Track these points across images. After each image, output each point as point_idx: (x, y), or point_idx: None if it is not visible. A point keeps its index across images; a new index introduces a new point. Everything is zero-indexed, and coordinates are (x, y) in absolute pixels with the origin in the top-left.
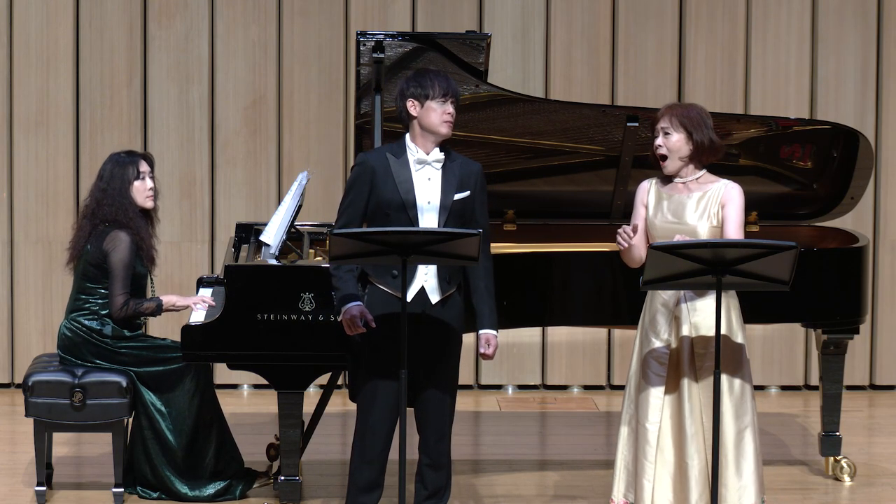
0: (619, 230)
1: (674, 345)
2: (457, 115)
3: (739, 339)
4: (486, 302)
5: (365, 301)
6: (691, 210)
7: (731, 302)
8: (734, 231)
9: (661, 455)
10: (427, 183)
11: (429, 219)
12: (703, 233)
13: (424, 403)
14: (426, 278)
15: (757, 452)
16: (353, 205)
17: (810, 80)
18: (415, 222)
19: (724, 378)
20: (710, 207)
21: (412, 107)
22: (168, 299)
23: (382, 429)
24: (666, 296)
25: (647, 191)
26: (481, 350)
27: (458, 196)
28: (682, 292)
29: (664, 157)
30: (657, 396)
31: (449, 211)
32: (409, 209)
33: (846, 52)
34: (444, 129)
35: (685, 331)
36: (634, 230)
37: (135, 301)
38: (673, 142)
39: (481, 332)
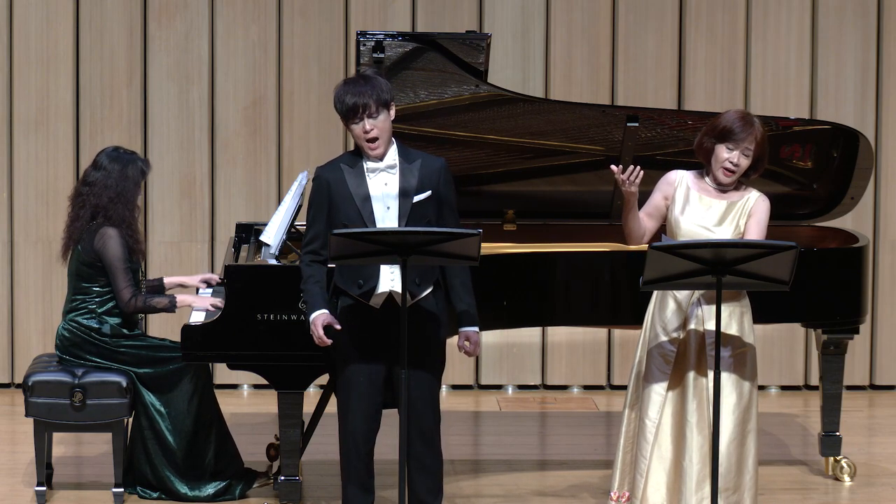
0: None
1: (681, 337)
2: (456, 116)
3: (750, 346)
4: (462, 299)
5: (337, 310)
6: (720, 217)
7: (743, 309)
8: None
9: (658, 451)
10: (384, 188)
11: (389, 224)
12: None
13: (406, 407)
14: (392, 284)
15: (756, 460)
16: (316, 220)
17: (810, 80)
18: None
19: (733, 382)
20: (740, 218)
21: (343, 125)
22: (182, 298)
23: (361, 433)
24: (680, 297)
25: (675, 187)
26: (459, 346)
27: (418, 198)
28: (696, 295)
29: (732, 172)
30: (659, 393)
31: (409, 214)
32: (366, 218)
33: (846, 52)
34: (370, 152)
35: (695, 327)
36: (625, 173)
37: (145, 295)
38: (745, 164)
39: (461, 329)
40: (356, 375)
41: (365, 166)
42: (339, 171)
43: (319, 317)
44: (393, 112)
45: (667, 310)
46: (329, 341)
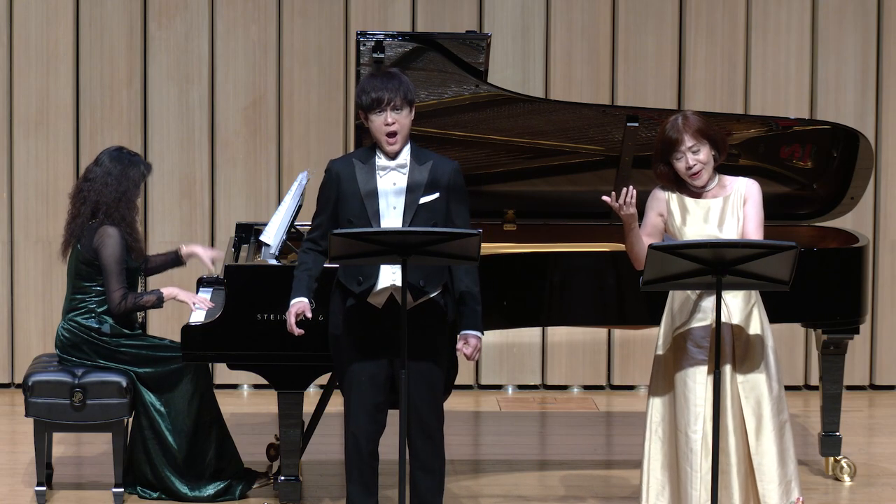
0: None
1: (710, 331)
2: (456, 116)
3: (770, 337)
4: (467, 304)
5: (341, 307)
6: (720, 215)
7: (758, 303)
8: (754, 229)
9: (707, 463)
10: (392, 186)
11: (392, 223)
12: (737, 236)
13: (407, 406)
14: (393, 282)
15: (793, 448)
16: (322, 211)
17: (810, 80)
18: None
19: (764, 374)
20: (738, 208)
21: (363, 118)
22: (169, 291)
23: (364, 434)
24: (693, 298)
25: (666, 201)
26: (458, 347)
27: (425, 199)
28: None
29: (698, 173)
30: (700, 405)
31: (414, 214)
32: (370, 215)
33: (846, 52)
34: (387, 146)
35: (722, 330)
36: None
37: (133, 294)
38: (703, 156)
39: (461, 332)
40: (359, 375)
41: (377, 163)
42: (350, 164)
43: (295, 304)
44: (413, 113)
45: (691, 319)
46: (299, 331)
